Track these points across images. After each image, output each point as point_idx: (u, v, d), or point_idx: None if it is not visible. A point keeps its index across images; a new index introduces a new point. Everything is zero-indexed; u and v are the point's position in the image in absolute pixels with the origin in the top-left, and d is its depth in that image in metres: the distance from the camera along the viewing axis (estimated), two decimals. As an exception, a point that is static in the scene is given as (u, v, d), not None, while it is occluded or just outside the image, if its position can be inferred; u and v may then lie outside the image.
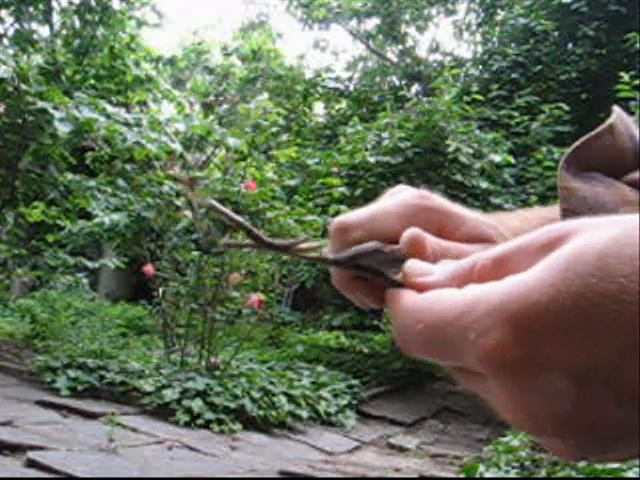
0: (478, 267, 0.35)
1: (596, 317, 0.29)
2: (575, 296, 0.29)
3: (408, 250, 0.41)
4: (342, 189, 8.32)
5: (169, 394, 5.28)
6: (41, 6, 10.57)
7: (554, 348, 0.30)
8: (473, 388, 0.35)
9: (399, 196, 0.47)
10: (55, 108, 5.74)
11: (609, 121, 0.47)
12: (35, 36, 10.74)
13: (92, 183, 6.89)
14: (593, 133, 0.47)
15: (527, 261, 0.33)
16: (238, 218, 0.42)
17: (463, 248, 0.45)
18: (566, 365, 0.30)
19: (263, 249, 0.41)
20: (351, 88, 16.32)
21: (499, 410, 0.34)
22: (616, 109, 0.49)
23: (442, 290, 0.35)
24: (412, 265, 0.39)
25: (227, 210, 0.42)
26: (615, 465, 3.24)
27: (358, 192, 8.40)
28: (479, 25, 16.28)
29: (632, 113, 6.43)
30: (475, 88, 11.33)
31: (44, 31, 11.24)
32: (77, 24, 10.70)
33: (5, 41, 10.23)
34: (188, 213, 6.65)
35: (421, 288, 0.37)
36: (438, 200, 0.47)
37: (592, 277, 0.29)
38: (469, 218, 0.47)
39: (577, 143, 0.47)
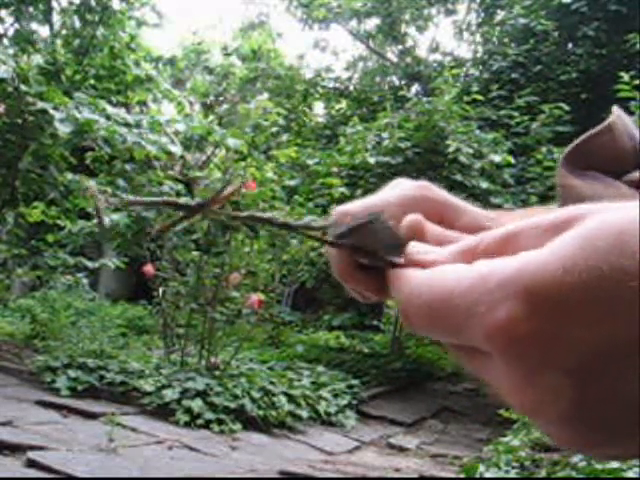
0: (484, 245, 0.34)
1: (614, 293, 0.28)
2: (592, 271, 0.28)
3: (408, 234, 0.40)
4: (342, 189, 8.32)
5: (169, 394, 5.28)
6: (41, 6, 10.57)
7: (568, 323, 0.29)
8: (475, 369, 0.34)
9: (400, 187, 0.48)
10: (55, 108, 5.74)
11: (608, 120, 0.47)
12: (35, 36, 10.74)
13: (92, 183, 6.88)
14: (592, 131, 0.47)
15: (536, 240, 0.32)
16: (157, 199, 0.43)
17: (467, 238, 0.45)
18: (580, 342, 0.29)
19: (189, 213, 0.44)
20: (351, 88, 16.33)
21: (503, 393, 0.32)
22: (615, 109, 0.49)
23: (450, 265, 0.34)
24: (415, 244, 0.39)
25: (142, 198, 0.45)
26: (615, 465, 3.24)
27: (358, 192, 8.40)
28: (479, 25, 16.28)
29: (632, 113, 6.43)
30: (475, 88, 11.35)
31: (44, 31, 11.24)
32: (77, 24, 10.69)
33: (5, 41, 10.22)
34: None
35: (425, 265, 0.36)
36: (438, 191, 0.48)
37: (610, 253, 0.28)
38: (469, 210, 0.48)
39: (576, 141, 0.47)
